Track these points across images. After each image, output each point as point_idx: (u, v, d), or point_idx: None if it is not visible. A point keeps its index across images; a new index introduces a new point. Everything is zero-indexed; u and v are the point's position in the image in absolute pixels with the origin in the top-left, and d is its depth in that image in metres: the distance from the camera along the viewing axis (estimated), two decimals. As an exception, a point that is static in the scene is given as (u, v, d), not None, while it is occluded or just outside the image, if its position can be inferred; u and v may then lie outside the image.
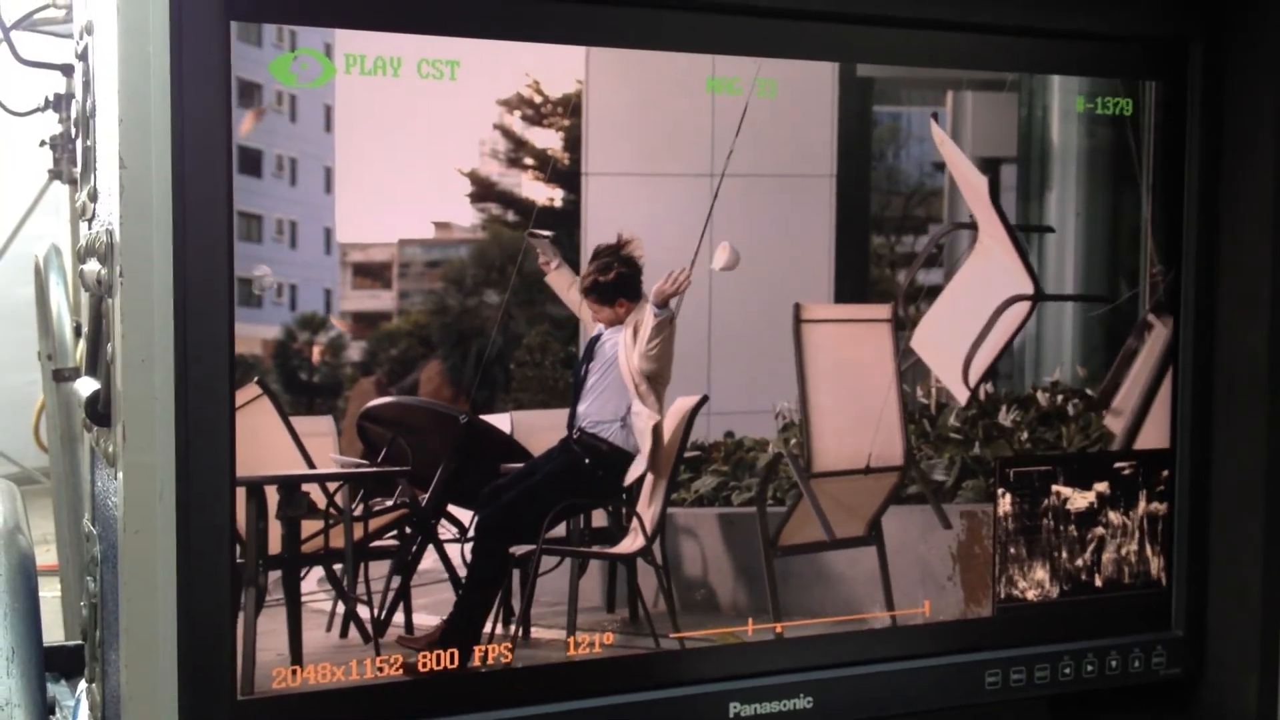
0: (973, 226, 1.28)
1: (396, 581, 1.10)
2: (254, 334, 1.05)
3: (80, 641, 1.25)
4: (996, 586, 1.29)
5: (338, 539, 1.09)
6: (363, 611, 1.08)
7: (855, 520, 1.25)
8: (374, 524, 1.10)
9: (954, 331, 1.28)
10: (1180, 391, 1.34)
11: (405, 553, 1.11)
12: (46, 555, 3.02)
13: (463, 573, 1.12)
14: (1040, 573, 1.31)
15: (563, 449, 1.15)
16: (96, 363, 1.08)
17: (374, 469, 1.10)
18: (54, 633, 2.27)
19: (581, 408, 1.15)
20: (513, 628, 1.13)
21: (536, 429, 1.15)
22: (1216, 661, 1.33)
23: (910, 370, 1.26)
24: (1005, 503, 1.29)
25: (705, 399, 1.19)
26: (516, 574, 1.14)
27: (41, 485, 4.48)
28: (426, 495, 1.12)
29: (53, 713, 1.33)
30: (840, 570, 1.25)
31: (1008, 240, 1.29)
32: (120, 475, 0.93)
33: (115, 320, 0.94)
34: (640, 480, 1.18)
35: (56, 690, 1.40)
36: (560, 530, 1.17)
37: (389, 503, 1.11)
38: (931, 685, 1.25)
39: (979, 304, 1.28)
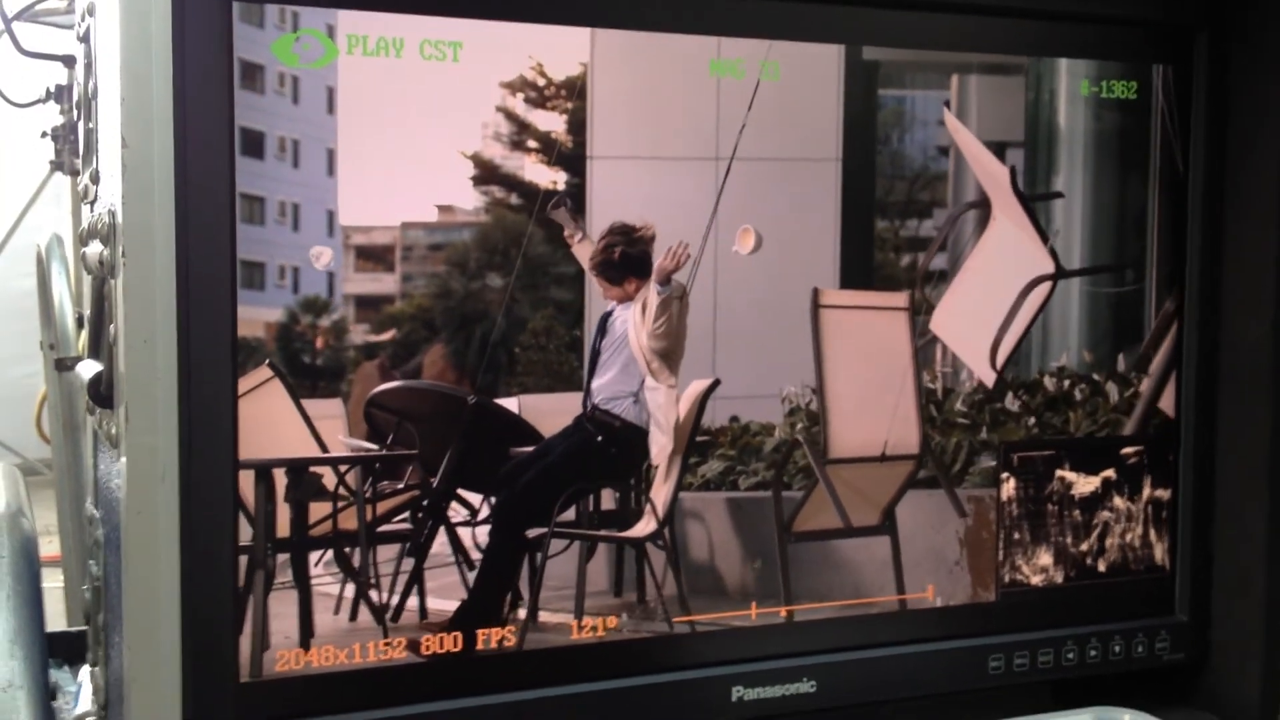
0: (985, 204, 1.27)
1: (408, 565, 1.10)
2: (259, 316, 1.05)
3: (83, 627, 1.25)
4: (1000, 571, 1.29)
5: (345, 522, 1.09)
6: (372, 594, 1.08)
7: (870, 508, 1.25)
8: (384, 507, 1.10)
9: (977, 314, 1.27)
10: (1185, 379, 1.34)
11: (418, 535, 1.11)
12: (49, 546, 3.02)
13: (475, 555, 1.12)
14: (1044, 557, 1.31)
15: (576, 427, 1.15)
16: (99, 345, 1.08)
17: (379, 454, 1.10)
18: (57, 623, 2.27)
19: (595, 384, 1.15)
20: (521, 612, 1.13)
21: (544, 413, 1.15)
22: (1220, 647, 1.33)
23: (918, 354, 1.26)
24: (1009, 487, 1.29)
25: (717, 382, 1.18)
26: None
27: (44, 476, 4.49)
28: (436, 479, 1.11)
29: (55, 698, 1.33)
30: (847, 556, 1.24)
31: (1030, 227, 1.28)
32: (123, 457, 0.93)
33: (117, 301, 0.94)
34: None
35: (59, 675, 1.40)
36: (570, 514, 1.17)
37: (399, 485, 1.11)
38: (934, 669, 1.24)
39: (1001, 286, 1.28)
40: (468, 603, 1.11)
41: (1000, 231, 1.27)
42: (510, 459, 1.14)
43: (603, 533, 1.17)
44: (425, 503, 1.11)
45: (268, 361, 1.04)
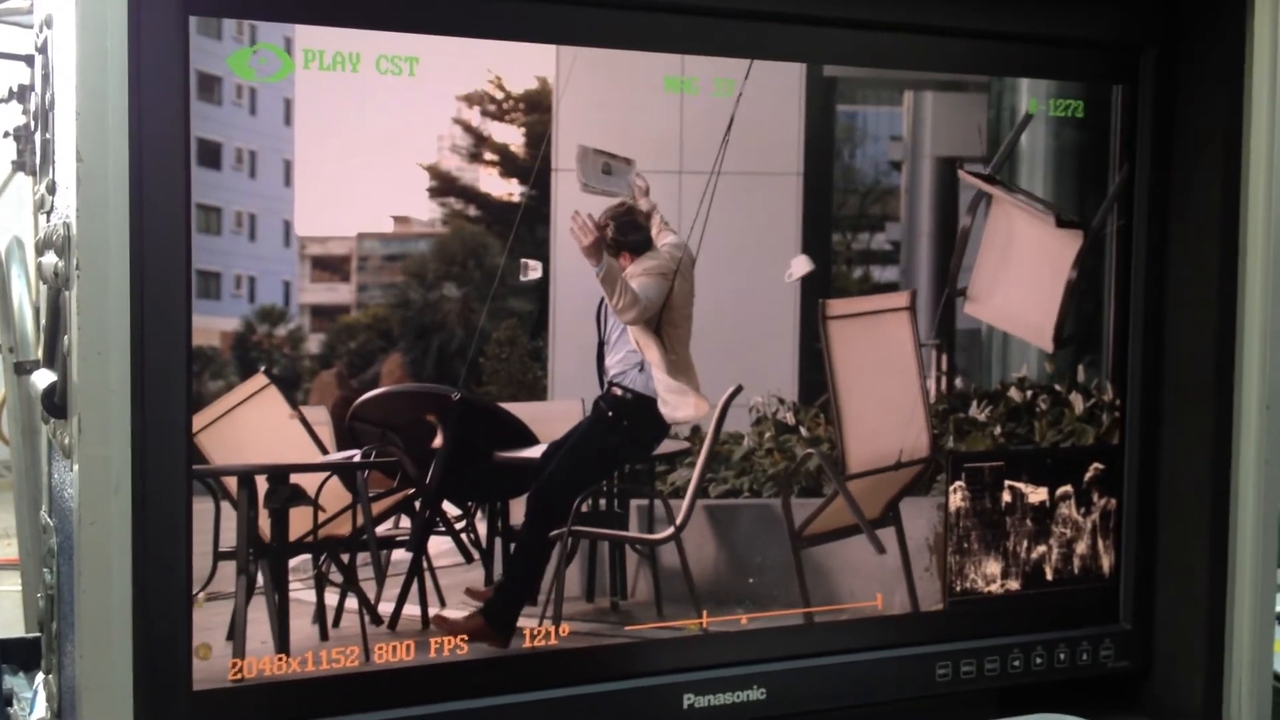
0: (988, 193, 1.31)
1: (397, 572, 1.11)
2: (216, 326, 1.05)
3: (38, 633, 1.25)
4: (949, 579, 1.31)
5: (328, 529, 1.09)
6: (351, 602, 1.10)
7: (874, 504, 1.27)
8: (375, 510, 1.11)
9: (1025, 291, 1.32)
10: (1130, 391, 1.36)
11: (416, 536, 1.12)
12: (8, 549, 3.00)
13: (475, 555, 1.14)
14: (992, 566, 1.33)
15: (593, 409, 1.18)
16: (54, 355, 1.08)
17: (346, 462, 1.10)
18: (15, 626, 2.26)
19: (608, 361, 1.18)
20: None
21: (527, 420, 1.17)
22: (1163, 655, 1.36)
23: (922, 355, 1.28)
24: (958, 498, 1.31)
25: (739, 389, 1.21)
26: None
27: (2, 479, 4.44)
28: (426, 482, 1.13)
29: (10, 704, 1.33)
30: (819, 561, 1.26)
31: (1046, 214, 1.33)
32: (76, 467, 0.94)
33: (72, 313, 0.94)
34: (683, 461, 1.20)
35: (14, 682, 1.39)
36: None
37: (382, 491, 1.12)
38: (883, 677, 1.26)
39: (1038, 262, 1.32)
40: (498, 598, 1.13)
41: (1017, 212, 1.30)
42: (497, 464, 1.15)
43: (628, 534, 1.19)
44: (418, 504, 1.12)
45: (263, 369, 1.05)
